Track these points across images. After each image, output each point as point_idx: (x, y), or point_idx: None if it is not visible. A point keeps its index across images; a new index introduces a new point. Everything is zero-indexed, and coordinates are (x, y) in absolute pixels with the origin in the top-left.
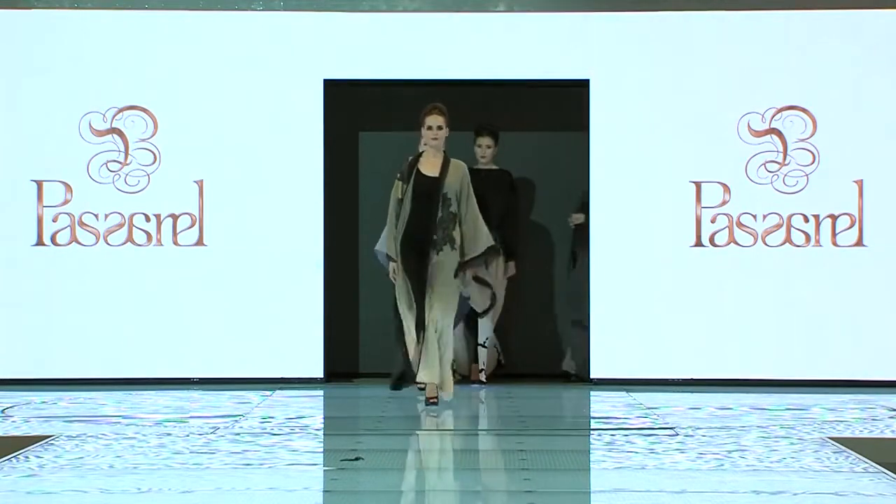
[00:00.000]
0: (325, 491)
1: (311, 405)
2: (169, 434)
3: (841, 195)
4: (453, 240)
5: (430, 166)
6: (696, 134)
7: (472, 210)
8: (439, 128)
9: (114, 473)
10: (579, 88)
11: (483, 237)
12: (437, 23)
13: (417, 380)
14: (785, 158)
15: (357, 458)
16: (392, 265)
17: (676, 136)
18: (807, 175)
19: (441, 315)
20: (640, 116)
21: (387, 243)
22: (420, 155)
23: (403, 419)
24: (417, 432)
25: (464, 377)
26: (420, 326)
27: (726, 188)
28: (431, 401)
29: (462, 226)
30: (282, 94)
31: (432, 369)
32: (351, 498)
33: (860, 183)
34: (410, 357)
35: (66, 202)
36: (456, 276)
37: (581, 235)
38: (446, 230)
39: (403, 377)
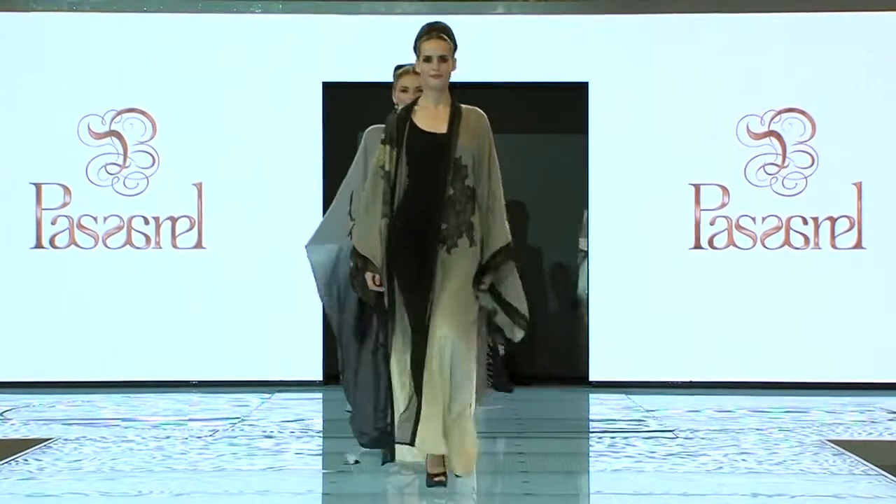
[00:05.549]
0: (324, 494)
1: (310, 408)
2: (168, 437)
3: (840, 197)
4: (472, 229)
5: (431, 118)
6: (695, 136)
7: (494, 186)
8: (442, 59)
9: (113, 476)
10: (578, 91)
11: (499, 230)
12: None
13: (409, 447)
14: (784, 161)
15: (355, 462)
16: (370, 274)
17: (675, 138)
18: (805, 177)
19: (455, 340)
20: (638, 119)
21: (358, 238)
22: (415, 103)
23: None
24: None
25: None
26: (417, 364)
27: (725, 190)
28: (436, 479)
29: (480, 209)
30: (281, 97)
31: (434, 433)
32: (350, 501)
33: (859, 185)
34: (397, 416)
35: (64, 205)
36: (476, 285)
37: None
38: (461, 215)
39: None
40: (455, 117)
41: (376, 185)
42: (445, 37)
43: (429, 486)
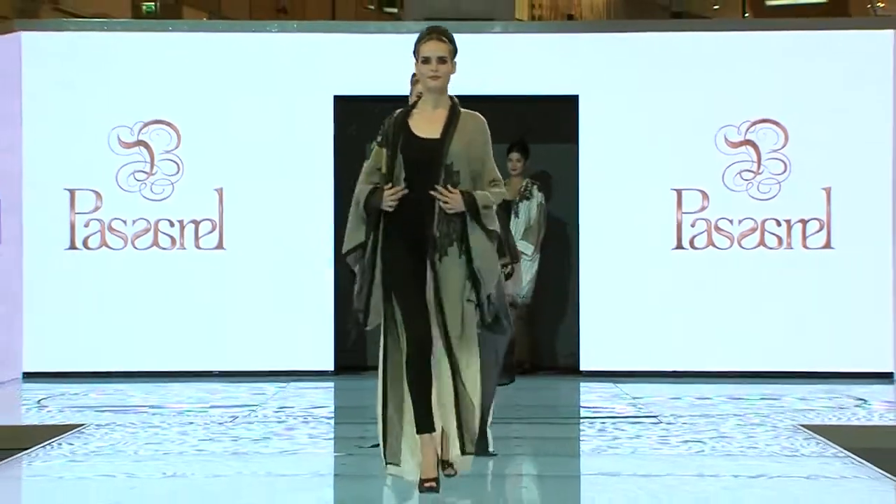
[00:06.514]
0: (335, 475)
1: (322, 396)
2: (191, 423)
3: (810, 201)
4: (466, 237)
5: (426, 123)
6: (676, 145)
7: (490, 190)
8: (441, 61)
9: (140, 459)
10: (569, 103)
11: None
12: None
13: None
14: (759, 167)
15: (375, 445)
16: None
17: (659, 146)
18: (779, 183)
19: (458, 350)
20: (625, 129)
21: (348, 237)
22: (413, 107)
23: None
24: None
25: None
26: (417, 367)
27: (705, 195)
28: (427, 485)
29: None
30: (295, 109)
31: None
32: (359, 481)
33: (828, 190)
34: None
35: (96, 209)
36: (470, 296)
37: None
38: (452, 223)
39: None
40: (451, 122)
41: (364, 186)
42: (445, 39)
43: (422, 489)
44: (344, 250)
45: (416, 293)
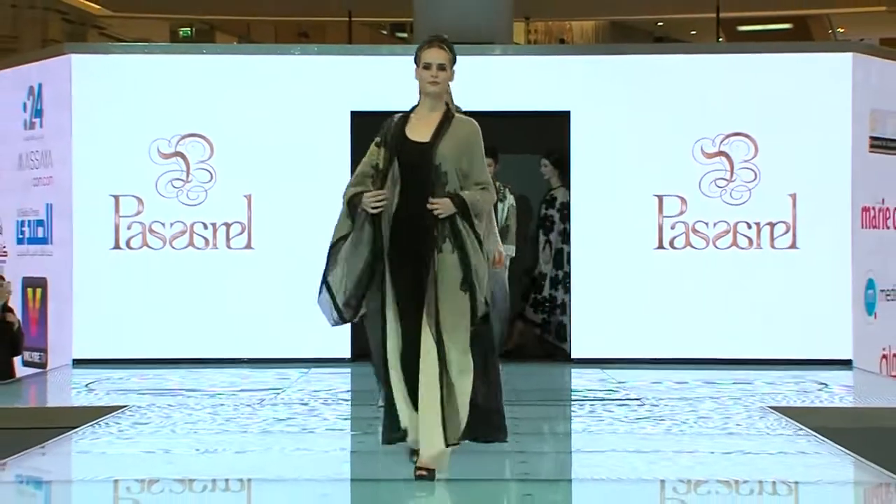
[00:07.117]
0: (352, 452)
1: (340, 380)
2: (223, 404)
3: (778, 206)
4: (459, 235)
5: (421, 126)
6: (658, 155)
7: (482, 195)
8: (441, 68)
9: (176, 437)
10: (562, 118)
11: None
12: None
13: (412, 446)
14: (732, 176)
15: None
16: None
17: (642, 157)
18: (750, 190)
19: (446, 339)
20: (612, 141)
21: (338, 228)
22: (412, 111)
23: None
24: None
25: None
26: (408, 360)
27: (683, 201)
28: (419, 473)
29: None
30: (316, 124)
31: (431, 431)
32: (373, 457)
33: (794, 196)
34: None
35: (138, 213)
36: (464, 288)
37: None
38: (444, 221)
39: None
40: (443, 126)
41: (363, 184)
42: (445, 47)
43: (417, 476)
44: (332, 241)
45: (413, 291)
